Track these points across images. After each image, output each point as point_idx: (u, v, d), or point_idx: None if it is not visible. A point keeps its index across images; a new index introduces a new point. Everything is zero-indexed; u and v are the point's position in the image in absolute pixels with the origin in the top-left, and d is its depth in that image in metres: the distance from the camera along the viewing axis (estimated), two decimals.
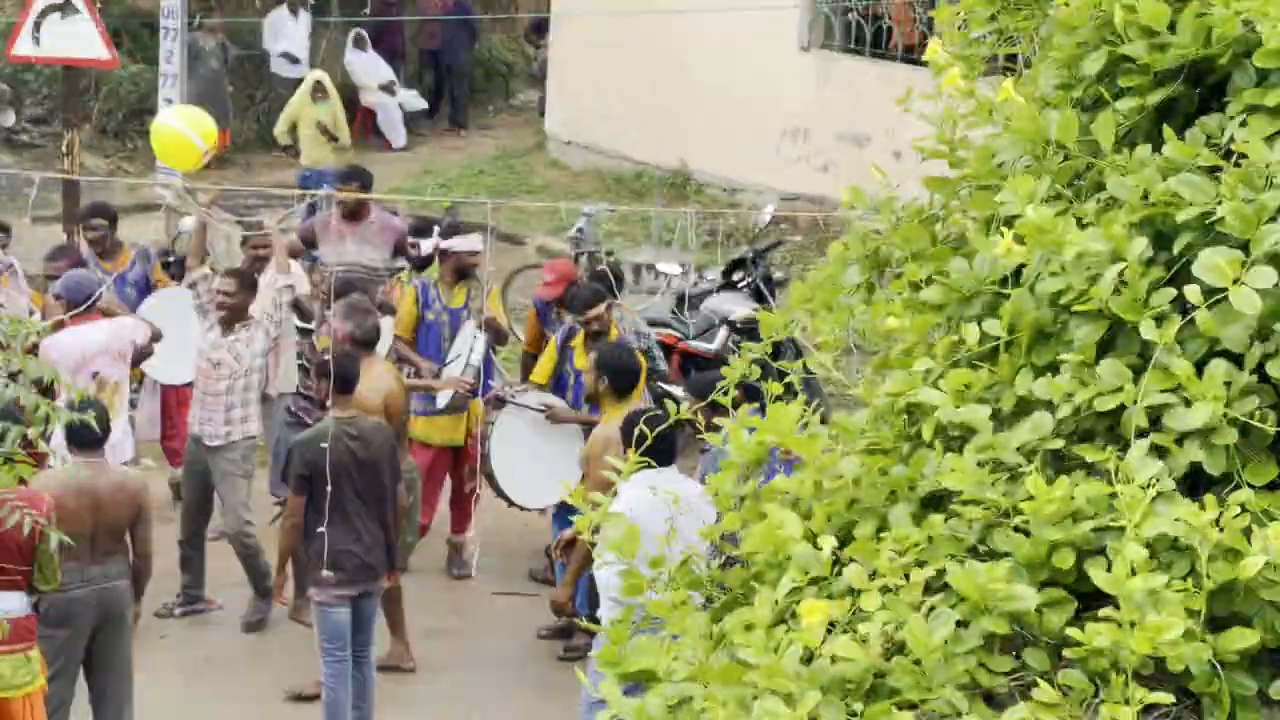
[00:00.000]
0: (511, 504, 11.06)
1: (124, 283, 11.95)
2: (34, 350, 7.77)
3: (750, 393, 4.52)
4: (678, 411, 4.57)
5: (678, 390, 10.43)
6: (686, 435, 10.75)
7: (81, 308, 10.59)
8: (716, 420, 4.29)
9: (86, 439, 8.40)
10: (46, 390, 7.84)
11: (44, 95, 21.69)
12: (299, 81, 19.14)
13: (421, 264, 12.22)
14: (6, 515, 6.68)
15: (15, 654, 7.97)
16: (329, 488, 8.91)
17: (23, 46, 14.71)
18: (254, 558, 10.58)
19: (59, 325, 10.22)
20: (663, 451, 3.85)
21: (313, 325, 11.64)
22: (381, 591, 9.43)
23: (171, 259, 13.64)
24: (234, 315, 10.64)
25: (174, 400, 12.14)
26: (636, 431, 4.37)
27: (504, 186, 19.87)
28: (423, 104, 22.28)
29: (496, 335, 11.61)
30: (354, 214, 12.56)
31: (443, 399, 11.17)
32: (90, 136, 21.23)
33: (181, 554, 10.78)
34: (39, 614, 8.31)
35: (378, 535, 9.19)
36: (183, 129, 11.17)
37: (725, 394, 4.29)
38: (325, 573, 8.99)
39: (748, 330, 12.69)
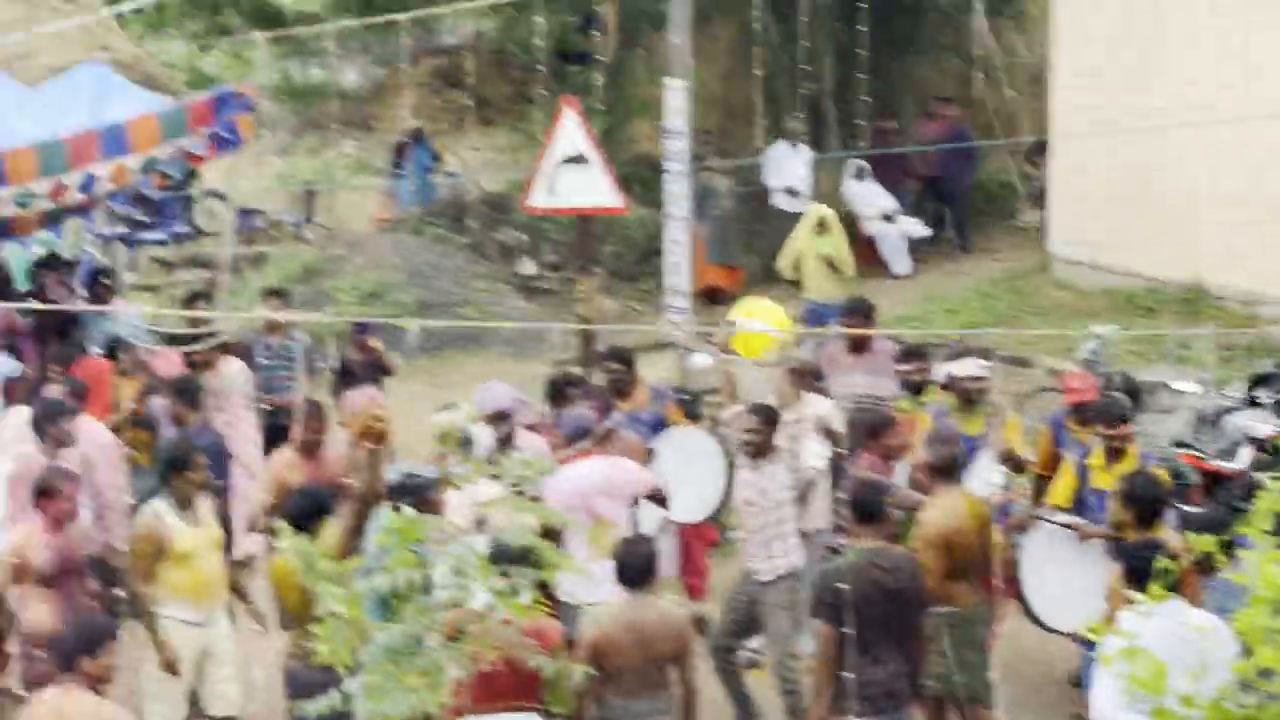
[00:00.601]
0: (1043, 627, 10.82)
1: (639, 422, 12.26)
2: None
3: None
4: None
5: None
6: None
7: (577, 445, 10.92)
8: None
9: (633, 575, 8.68)
10: (551, 535, 8.11)
11: (558, 242, 22.61)
12: (801, 215, 19.38)
13: (915, 389, 12.21)
14: (521, 650, 7.01)
15: None
16: (854, 618, 8.91)
17: (539, 198, 15.40)
18: (793, 693, 10.62)
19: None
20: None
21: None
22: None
23: (686, 398, 13.94)
24: (759, 450, 10.80)
25: (692, 536, 12.35)
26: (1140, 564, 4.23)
27: (1008, 309, 19.65)
28: (924, 230, 22.29)
29: (1014, 465, 11.45)
30: (860, 345, 12.68)
31: None
32: (603, 280, 21.99)
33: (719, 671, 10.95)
34: None
35: (901, 664, 9.14)
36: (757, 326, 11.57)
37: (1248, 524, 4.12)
38: (849, 703, 8.99)
39: (1275, 449, 12.19)
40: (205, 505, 10.32)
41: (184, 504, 10.12)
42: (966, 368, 11.58)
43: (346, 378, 14.68)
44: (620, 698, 8.58)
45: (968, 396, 11.51)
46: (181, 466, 10.18)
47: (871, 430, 11.16)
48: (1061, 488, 10.93)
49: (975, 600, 10.10)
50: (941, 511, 9.93)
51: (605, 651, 8.47)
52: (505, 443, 11.12)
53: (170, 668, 9.97)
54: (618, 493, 10.77)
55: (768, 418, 10.87)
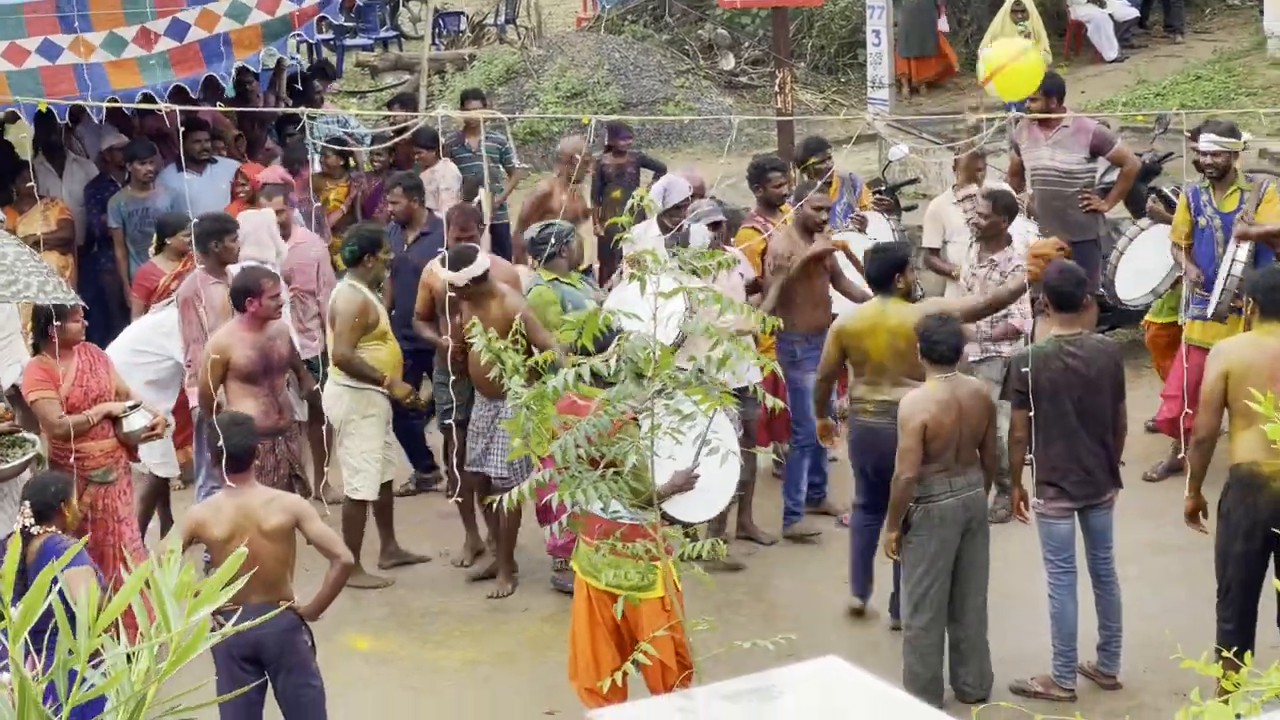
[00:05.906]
0: None
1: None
2: None
3: None
4: None
5: None
6: None
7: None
8: None
9: (945, 353, 8.75)
10: None
11: (760, 38, 22.42)
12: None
13: (1145, 173, 12.12)
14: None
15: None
16: (1047, 404, 8.85)
17: None
18: (1004, 473, 10.52)
19: None
20: None
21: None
22: (1110, 504, 9.24)
23: (882, 188, 13.83)
24: (989, 235, 10.75)
25: None
26: None
27: (1222, 90, 19.13)
28: (1133, 12, 21.68)
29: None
30: (1049, 121, 12.40)
31: (1212, 305, 10.89)
32: (805, 73, 21.80)
33: None
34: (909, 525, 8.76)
35: (1098, 452, 9.05)
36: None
37: None
38: (1045, 486, 8.98)
39: None
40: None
41: (373, 285, 10.61)
42: (1204, 144, 11.15)
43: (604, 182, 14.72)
44: (944, 475, 8.73)
45: (1215, 173, 11.08)
46: (374, 249, 10.55)
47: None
48: None
49: None
50: None
51: (934, 433, 8.62)
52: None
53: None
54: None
55: (998, 203, 10.78)
